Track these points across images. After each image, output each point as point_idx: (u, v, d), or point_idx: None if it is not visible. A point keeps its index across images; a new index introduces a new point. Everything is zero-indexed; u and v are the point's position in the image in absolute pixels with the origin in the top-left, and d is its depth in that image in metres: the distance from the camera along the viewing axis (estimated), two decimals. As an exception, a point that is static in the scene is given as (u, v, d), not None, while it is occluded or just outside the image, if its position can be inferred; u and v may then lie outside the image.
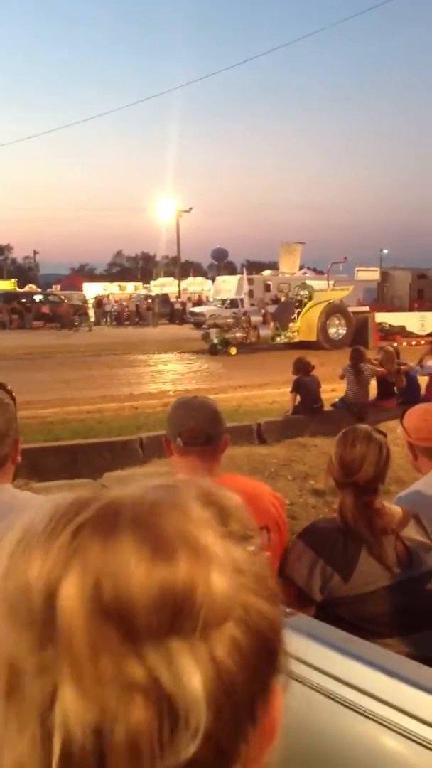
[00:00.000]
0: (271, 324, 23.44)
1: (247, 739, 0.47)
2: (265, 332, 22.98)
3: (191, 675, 0.42)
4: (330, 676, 1.48)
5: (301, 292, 24.97)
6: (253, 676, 0.47)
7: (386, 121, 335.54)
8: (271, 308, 25.42)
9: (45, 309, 39.85)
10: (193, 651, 0.43)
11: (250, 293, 30.16)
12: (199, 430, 2.32)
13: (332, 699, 1.45)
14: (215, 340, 22.53)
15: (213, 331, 22.97)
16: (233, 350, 22.10)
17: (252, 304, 27.51)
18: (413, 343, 21.45)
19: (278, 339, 23.42)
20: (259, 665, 0.47)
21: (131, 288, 62.41)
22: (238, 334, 22.48)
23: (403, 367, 11.35)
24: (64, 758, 0.41)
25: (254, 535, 0.53)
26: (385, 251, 69.27)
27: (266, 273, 38.45)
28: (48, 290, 52.62)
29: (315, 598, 2.36)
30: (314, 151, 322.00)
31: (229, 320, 23.16)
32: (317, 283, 26.79)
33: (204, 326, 26.49)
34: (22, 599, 0.43)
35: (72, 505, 0.47)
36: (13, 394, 2.02)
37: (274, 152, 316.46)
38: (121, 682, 0.41)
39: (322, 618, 1.98)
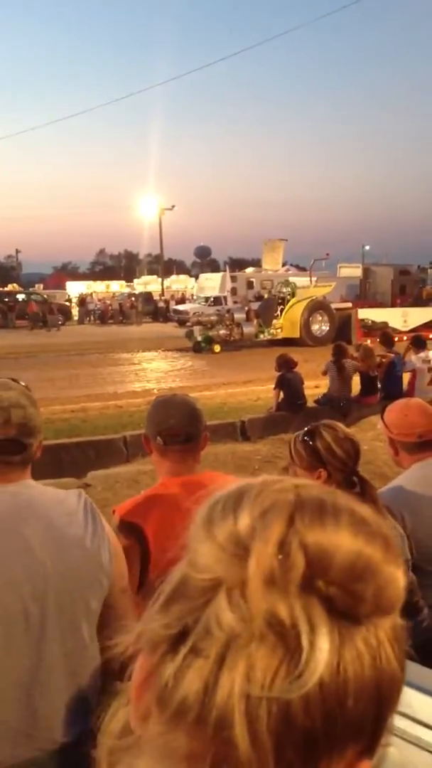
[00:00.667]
0: (255, 321, 23.46)
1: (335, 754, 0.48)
2: (248, 329, 23.00)
3: (324, 641, 0.46)
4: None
5: (284, 289, 25.00)
6: (357, 709, 0.47)
7: (367, 119, 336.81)
8: (255, 305, 25.44)
9: (34, 307, 39.51)
10: (336, 627, 0.46)
11: (234, 291, 30.14)
12: (179, 429, 2.30)
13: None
14: (199, 338, 22.54)
15: (197, 329, 22.99)
16: (217, 348, 22.12)
17: (235, 302, 27.53)
18: (396, 338, 21.51)
19: (261, 336, 23.45)
20: (369, 704, 0.48)
21: (116, 287, 62.01)
22: (222, 332, 22.50)
23: (383, 360, 11.43)
24: (192, 652, 0.47)
25: None
26: (367, 247, 69.19)
27: (249, 270, 38.41)
28: (31, 289, 52.29)
29: None
30: (296, 148, 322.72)
31: (213, 318, 23.18)
32: (300, 280, 26.83)
33: (188, 324, 26.46)
34: (227, 526, 0.50)
35: (285, 482, 0.54)
36: (30, 389, 2.03)
37: (256, 150, 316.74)
38: (266, 614, 0.46)
39: None
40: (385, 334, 12.72)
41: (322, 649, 0.45)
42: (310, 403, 10.97)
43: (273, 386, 10.98)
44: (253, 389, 13.69)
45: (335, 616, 0.47)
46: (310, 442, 2.49)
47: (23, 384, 1.99)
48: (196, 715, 0.46)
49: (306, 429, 2.57)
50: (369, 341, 15.83)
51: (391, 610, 0.50)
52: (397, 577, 0.50)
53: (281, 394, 10.72)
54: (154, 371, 18.41)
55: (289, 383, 10.66)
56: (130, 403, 12.32)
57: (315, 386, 11.73)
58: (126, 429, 9.32)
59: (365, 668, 0.47)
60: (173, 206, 61.56)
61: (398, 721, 1.37)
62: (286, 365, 10.72)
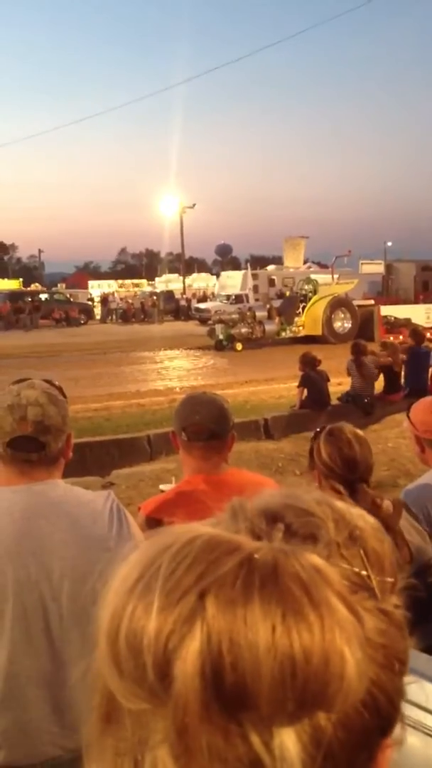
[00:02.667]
0: (277, 319, 23.40)
1: None
2: (270, 327, 22.93)
3: (295, 759, 0.40)
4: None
5: (306, 287, 24.93)
6: (359, 750, 0.44)
7: (389, 115, 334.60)
8: (276, 303, 25.43)
9: (56, 314, 39.90)
10: (300, 730, 0.40)
11: (255, 288, 30.15)
12: (203, 426, 2.32)
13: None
14: (221, 336, 22.53)
15: (218, 327, 22.98)
16: (239, 346, 22.07)
17: (257, 299, 27.54)
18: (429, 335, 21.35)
19: (283, 334, 23.38)
20: (369, 740, 0.45)
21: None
22: (244, 330, 22.44)
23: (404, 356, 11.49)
24: None
25: (394, 581, 0.49)
26: (389, 243, 69.01)
27: (270, 268, 38.42)
28: (53, 289, 52.70)
29: None
30: (318, 145, 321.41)
31: (234, 316, 23.15)
32: (322, 277, 26.73)
33: (209, 322, 26.49)
34: (132, 655, 0.41)
35: (204, 555, 0.42)
36: (63, 390, 2.06)
37: (277, 147, 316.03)
38: (222, 757, 0.39)
39: None
40: (415, 329, 12.70)
41: None
42: (334, 401, 10.93)
43: (297, 384, 10.96)
44: (276, 387, 13.65)
45: (297, 722, 0.40)
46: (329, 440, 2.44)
47: (57, 384, 2.02)
48: None
49: (331, 427, 2.52)
50: (392, 338, 15.75)
51: (350, 700, 0.41)
52: (346, 667, 0.40)
53: (305, 393, 10.69)
54: (177, 369, 18.43)
55: (313, 382, 10.62)
56: (153, 401, 12.34)
57: (338, 383, 11.69)
58: (149, 427, 9.34)
59: (353, 730, 0.43)
60: (194, 204, 61.59)
61: (422, 717, 1.36)
62: (309, 364, 10.67)
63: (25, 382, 1.97)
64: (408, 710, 1.29)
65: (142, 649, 0.40)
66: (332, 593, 0.41)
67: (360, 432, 2.54)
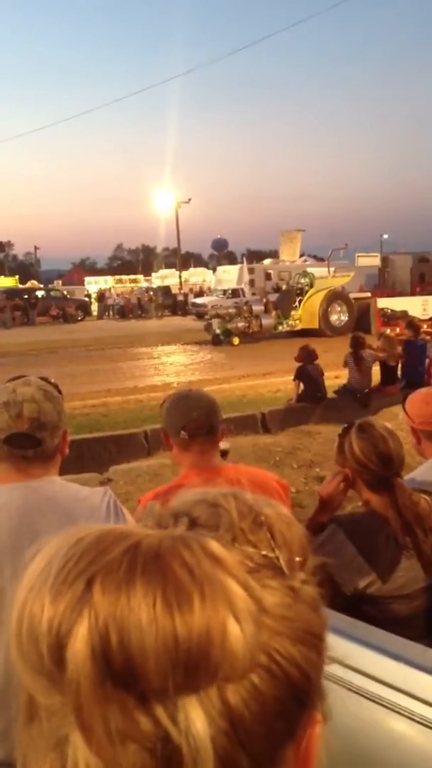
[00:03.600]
0: (273, 313, 23.42)
1: None
2: (267, 321, 22.95)
3: (201, 731, 0.42)
4: (357, 671, 1.49)
5: (302, 280, 24.92)
6: (276, 723, 0.46)
7: (383, 107, 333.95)
8: (273, 297, 25.44)
9: (53, 311, 39.94)
10: (204, 703, 0.42)
11: (251, 282, 30.13)
12: (203, 421, 2.36)
13: (364, 696, 1.47)
14: (218, 331, 22.54)
15: (215, 322, 22.99)
16: (236, 340, 22.10)
17: (253, 294, 27.52)
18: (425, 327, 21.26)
19: (280, 327, 23.40)
20: (285, 711, 0.46)
21: (143, 283, 61.72)
22: (241, 324, 22.46)
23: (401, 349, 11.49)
24: None
25: (301, 560, 0.51)
26: (385, 236, 68.80)
27: (267, 262, 38.35)
28: (50, 286, 52.60)
29: (345, 593, 2.22)
30: (312, 139, 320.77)
31: (231, 310, 23.14)
32: (318, 271, 26.72)
33: (206, 317, 26.49)
34: (32, 646, 0.43)
35: (92, 546, 0.45)
36: (60, 387, 2.08)
37: (271, 141, 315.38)
38: (128, 736, 0.41)
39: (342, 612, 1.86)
40: (411, 322, 12.75)
41: (203, 745, 0.42)
42: (331, 394, 10.94)
43: (293, 378, 10.98)
44: (273, 381, 13.67)
45: (196, 695, 0.42)
46: (362, 436, 2.44)
47: (53, 381, 2.03)
48: None
49: (362, 422, 2.50)
50: (389, 330, 15.76)
51: (244, 669, 0.43)
52: (229, 639, 0.42)
53: (301, 386, 10.71)
54: (174, 365, 18.43)
55: (308, 375, 10.64)
56: (151, 397, 12.34)
57: (335, 377, 11.71)
58: (147, 423, 9.35)
59: (264, 702, 0.45)
60: (190, 199, 61.42)
61: (398, 699, 1.37)
62: (308, 357, 10.70)
63: (20, 379, 1.99)
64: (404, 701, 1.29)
65: (39, 639, 0.42)
66: (220, 570, 0.44)
67: (389, 425, 2.52)
